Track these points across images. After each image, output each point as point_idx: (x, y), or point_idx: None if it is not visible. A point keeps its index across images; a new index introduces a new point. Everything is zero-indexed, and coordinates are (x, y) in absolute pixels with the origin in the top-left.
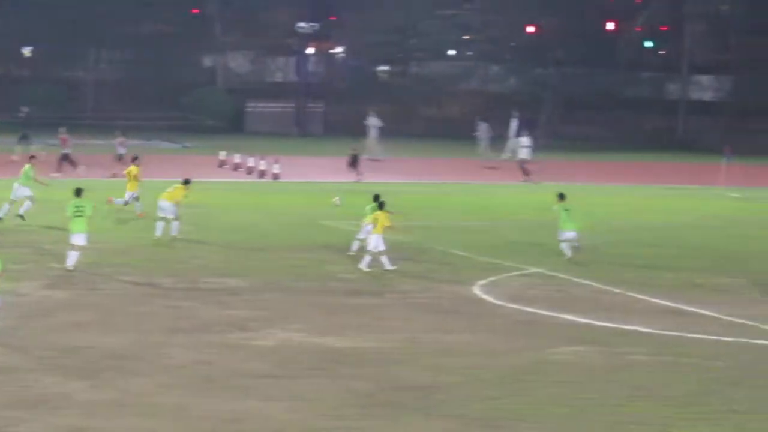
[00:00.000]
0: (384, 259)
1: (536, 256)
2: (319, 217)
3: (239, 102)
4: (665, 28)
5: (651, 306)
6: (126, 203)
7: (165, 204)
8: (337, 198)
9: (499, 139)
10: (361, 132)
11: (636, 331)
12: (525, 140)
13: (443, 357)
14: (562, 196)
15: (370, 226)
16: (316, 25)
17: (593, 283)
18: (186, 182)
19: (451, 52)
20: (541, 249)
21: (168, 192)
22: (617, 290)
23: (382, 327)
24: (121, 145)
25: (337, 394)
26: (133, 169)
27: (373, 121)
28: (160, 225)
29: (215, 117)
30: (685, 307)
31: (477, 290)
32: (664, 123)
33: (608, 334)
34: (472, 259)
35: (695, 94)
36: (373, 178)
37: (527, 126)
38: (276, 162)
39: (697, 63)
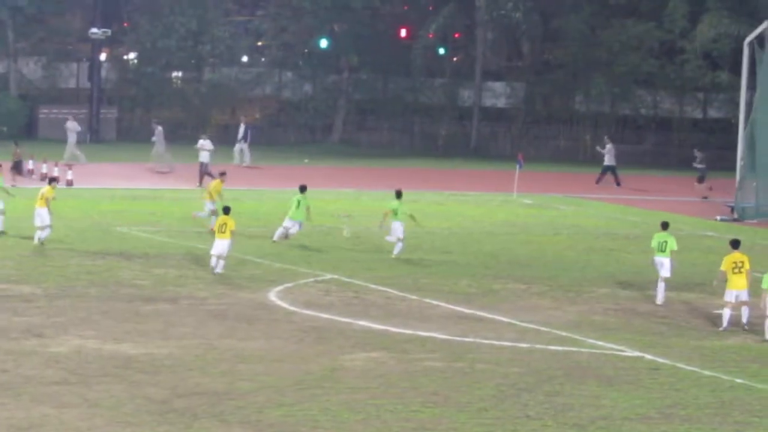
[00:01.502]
0: (221, 262)
1: (331, 262)
2: (114, 223)
3: (32, 108)
4: (458, 35)
5: (447, 312)
6: (213, 212)
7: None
8: (346, 227)
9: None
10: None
11: (432, 337)
12: (207, 144)
13: (239, 363)
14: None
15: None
16: (109, 31)
17: (389, 290)
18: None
19: (245, 59)
20: (336, 255)
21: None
22: (413, 296)
23: (177, 333)
24: None
25: (132, 401)
26: (215, 183)
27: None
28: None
29: (8, 123)
30: (480, 313)
31: (273, 297)
32: (458, 130)
33: (404, 341)
34: (267, 265)
35: (488, 101)
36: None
37: (252, 132)
38: (69, 168)
39: (489, 70)
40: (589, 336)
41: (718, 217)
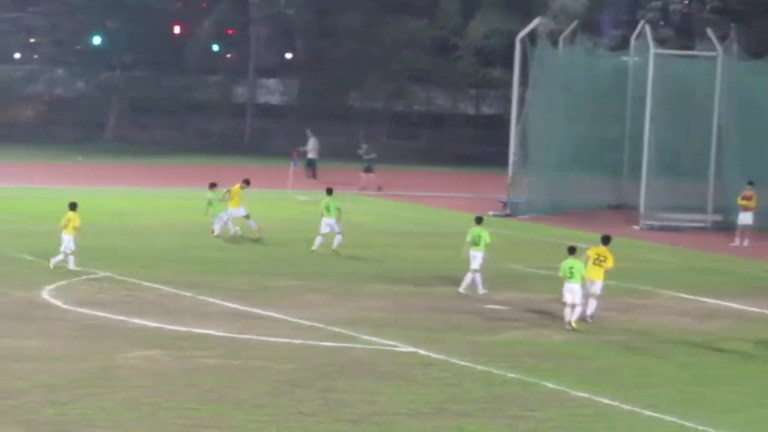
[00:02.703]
0: (71, 259)
1: (104, 261)
2: None
3: None
4: (232, 32)
5: (222, 309)
6: (248, 217)
7: None
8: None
9: None
10: None
11: (207, 334)
12: None
13: (11, 362)
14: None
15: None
16: None
17: (163, 287)
18: None
19: (17, 55)
20: (109, 253)
21: None
22: (188, 294)
23: None
24: None
25: None
26: (236, 189)
27: None
28: None
29: None
30: (256, 310)
31: (46, 295)
32: (233, 126)
33: (179, 338)
34: (40, 263)
35: (262, 98)
36: None
37: None
38: None
39: (263, 66)
40: (364, 332)
41: (491, 213)
